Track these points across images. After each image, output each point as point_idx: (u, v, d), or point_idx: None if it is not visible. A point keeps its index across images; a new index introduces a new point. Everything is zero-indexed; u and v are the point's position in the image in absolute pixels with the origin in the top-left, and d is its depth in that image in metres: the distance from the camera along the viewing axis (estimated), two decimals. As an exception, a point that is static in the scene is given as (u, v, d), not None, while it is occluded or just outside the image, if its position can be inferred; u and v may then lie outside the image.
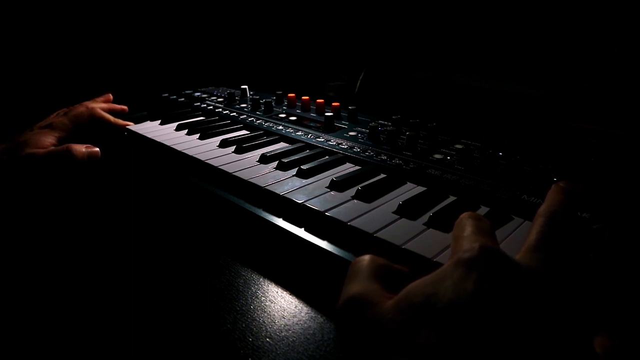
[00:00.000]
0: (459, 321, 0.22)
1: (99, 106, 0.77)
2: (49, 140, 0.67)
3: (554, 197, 0.28)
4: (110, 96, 0.84)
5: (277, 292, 0.43)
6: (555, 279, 0.24)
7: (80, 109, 0.75)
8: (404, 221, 0.44)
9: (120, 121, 0.78)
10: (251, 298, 0.42)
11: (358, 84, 1.01)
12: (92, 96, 0.83)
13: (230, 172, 0.57)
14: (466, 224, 0.28)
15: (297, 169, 0.57)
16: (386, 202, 0.48)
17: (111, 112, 0.79)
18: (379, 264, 0.29)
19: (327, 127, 0.73)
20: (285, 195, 0.50)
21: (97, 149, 0.67)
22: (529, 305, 0.22)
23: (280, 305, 0.41)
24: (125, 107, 0.82)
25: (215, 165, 0.60)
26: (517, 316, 0.22)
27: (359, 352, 0.24)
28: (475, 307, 0.22)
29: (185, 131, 0.76)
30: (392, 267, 0.30)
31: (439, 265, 0.30)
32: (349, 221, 0.43)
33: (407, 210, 0.45)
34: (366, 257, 0.29)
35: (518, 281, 0.23)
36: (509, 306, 0.22)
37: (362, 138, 0.68)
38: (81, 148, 0.65)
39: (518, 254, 0.26)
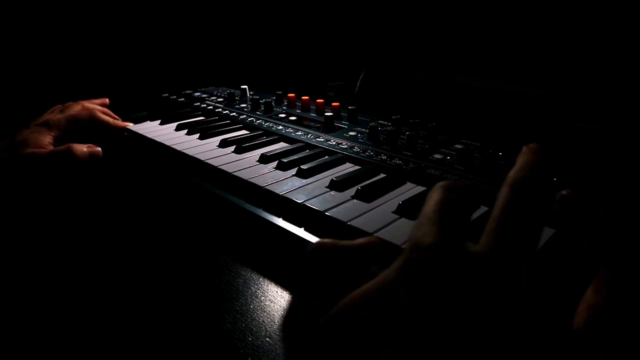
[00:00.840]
0: (410, 323, 0.20)
1: (99, 109, 0.77)
2: (47, 139, 0.67)
3: (523, 160, 0.24)
4: (107, 101, 0.84)
5: (276, 291, 0.43)
6: (516, 267, 0.21)
7: (77, 108, 0.74)
8: (403, 221, 0.44)
9: (120, 122, 0.78)
10: (251, 298, 0.42)
11: (358, 84, 1.01)
12: (92, 96, 0.83)
13: (230, 172, 0.57)
14: (430, 202, 0.24)
15: (296, 168, 0.57)
16: (386, 201, 0.48)
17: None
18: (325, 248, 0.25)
19: (327, 127, 0.73)
20: (285, 195, 0.50)
21: (99, 148, 0.67)
22: (486, 297, 0.20)
23: (280, 304, 0.41)
24: (118, 118, 0.81)
25: (215, 165, 0.60)
26: (474, 314, 0.19)
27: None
28: (427, 309, 0.20)
29: (185, 131, 0.76)
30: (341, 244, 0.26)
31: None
32: (349, 221, 0.43)
33: (406, 210, 0.45)
34: (313, 248, 0.26)
35: (467, 279, 0.20)
36: (464, 305, 0.20)
37: (362, 138, 0.68)
38: (82, 148, 0.65)
39: (482, 237, 0.22)
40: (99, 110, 0.77)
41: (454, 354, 0.19)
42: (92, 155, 0.66)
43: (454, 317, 0.19)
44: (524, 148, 0.25)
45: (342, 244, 0.26)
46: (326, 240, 0.26)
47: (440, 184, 0.25)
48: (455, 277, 0.20)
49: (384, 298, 0.21)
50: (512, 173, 0.23)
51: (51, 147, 0.66)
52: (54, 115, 0.72)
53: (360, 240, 0.27)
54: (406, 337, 0.19)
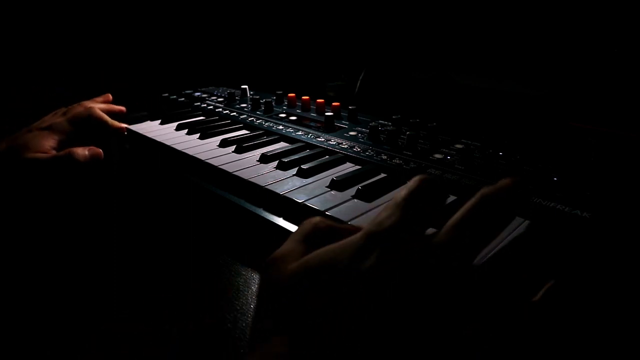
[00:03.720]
0: (342, 294, 0.21)
1: (98, 106, 0.77)
2: (49, 143, 0.67)
3: (498, 184, 0.27)
4: (110, 96, 0.83)
5: (277, 291, 0.43)
6: (458, 259, 0.23)
7: (79, 109, 0.74)
8: (404, 221, 0.44)
9: (117, 123, 0.77)
10: (251, 297, 0.42)
11: (358, 84, 1.01)
12: (92, 96, 0.83)
13: (231, 171, 0.57)
14: (404, 189, 0.26)
15: (297, 168, 0.57)
16: (386, 201, 0.48)
17: (110, 112, 0.79)
18: (319, 227, 0.28)
19: (327, 127, 0.73)
20: (286, 194, 0.50)
21: (100, 150, 0.67)
22: (420, 288, 0.22)
23: (281, 304, 0.41)
24: (123, 108, 0.82)
25: (216, 164, 0.60)
26: (403, 299, 0.21)
27: (257, 312, 0.25)
28: (365, 285, 0.21)
29: (186, 131, 0.76)
30: (339, 229, 0.29)
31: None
32: (350, 220, 0.44)
33: (407, 209, 0.45)
34: (312, 219, 0.29)
35: (419, 262, 0.22)
36: (398, 288, 0.21)
37: (362, 138, 0.68)
38: (84, 151, 0.65)
39: (442, 229, 0.24)
40: (99, 109, 0.76)
41: (377, 330, 0.21)
42: (93, 158, 0.66)
43: (387, 294, 0.21)
44: (506, 177, 0.28)
45: (337, 225, 0.29)
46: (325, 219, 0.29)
47: (417, 176, 0.27)
48: (404, 260, 0.22)
49: (334, 263, 0.23)
50: (485, 189, 0.26)
51: (53, 152, 0.65)
52: (56, 118, 0.72)
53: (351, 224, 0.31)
54: (342, 303, 0.21)
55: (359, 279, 0.22)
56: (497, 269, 0.27)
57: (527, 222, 0.44)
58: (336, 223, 0.29)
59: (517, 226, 0.42)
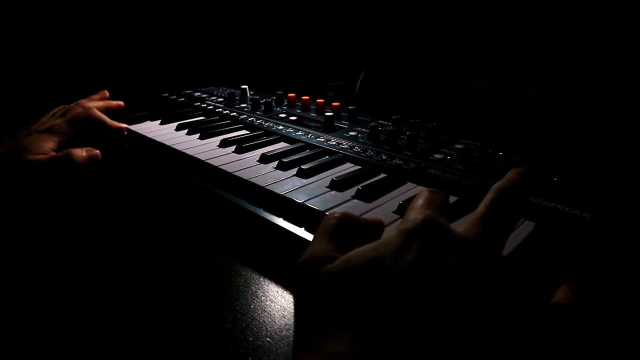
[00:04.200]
0: (395, 287, 0.23)
1: (96, 105, 0.76)
2: (49, 145, 0.67)
3: (509, 177, 0.29)
4: (106, 93, 0.83)
5: (277, 291, 0.43)
6: (490, 252, 0.25)
7: (78, 110, 0.74)
8: (404, 221, 0.44)
9: (116, 123, 0.77)
10: (251, 297, 0.42)
11: (358, 84, 1.01)
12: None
13: (231, 171, 0.57)
14: (419, 197, 0.28)
15: (297, 168, 0.57)
16: (386, 201, 0.48)
17: (108, 109, 0.78)
18: (344, 223, 0.30)
19: (327, 127, 0.73)
20: (286, 194, 0.50)
21: (97, 151, 0.67)
22: (461, 274, 0.23)
23: (281, 304, 0.41)
24: (121, 103, 0.81)
25: (216, 165, 0.60)
26: (449, 284, 0.23)
27: (303, 311, 0.25)
28: (412, 274, 0.23)
29: (186, 131, 0.76)
30: (363, 223, 0.31)
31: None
32: (349, 221, 0.43)
33: (407, 209, 0.45)
34: (334, 216, 0.30)
35: (455, 252, 0.24)
36: (443, 275, 0.23)
37: (362, 138, 0.68)
38: (82, 152, 0.65)
39: (464, 225, 0.27)
40: (97, 107, 0.76)
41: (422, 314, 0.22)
42: (91, 159, 0.66)
43: (430, 281, 0.23)
44: (512, 169, 0.30)
45: (360, 218, 0.31)
46: (348, 213, 0.31)
47: (426, 189, 0.30)
48: (442, 248, 0.24)
49: (378, 260, 0.24)
50: (499, 184, 0.29)
51: (52, 153, 0.65)
52: (55, 119, 0.72)
53: (372, 218, 0.33)
54: (390, 296, 0.23)
55: (404, 272, 0.23)
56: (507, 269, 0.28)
57: (527, 222, 0.44)
58: (355, 215, 0.31)
59: (518, 226, 0.42)
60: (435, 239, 0.24)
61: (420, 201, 0.28)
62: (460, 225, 0.27)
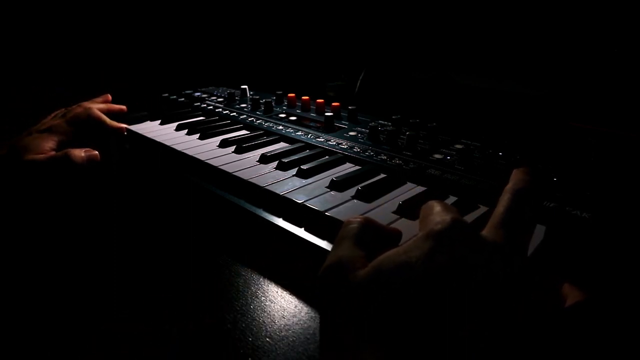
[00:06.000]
0: (431, 291, 0.22)
1: (97, 106, 0.77)
2: (48, 145, 0.67)
3: (520, 177, 0.29)
4: (109, 96, 0.83)
5: (277, 291, 0.43)
6: (515, 253, 0.25)
7: (78, 110, 0.74)
8: (403, 221, 0.44)
9: (115, 123, 0.77)
10: (251, 298, 0.42)
11: (358, 84, 1.01)
12: (93, 96, 0.83)
13: (230, 172, 0.57)
14: (434, 204, 0.28)
15: (297, 168, 0.57)
16: (386, 202, 0.48)
17: (109, 112, 0.79)
18: (368, 228, 0.29)
19: (327, 127, 0.73)
20: (285, 195, 0.50)
21: (96, 152, 0.67)
22: (492, 276, 0.23)
23: (280, 305, 0.41)
24: (123, 107, 0.82)
25: (216, 165, 0.60)
26: (482, 287, 0.23)
27: (332, 321, 0.25)
28: (446, 277, 0.23)
29: (185, 131, 0.76)
30: (384, 229, 0.31)
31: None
32: (349, 221, 0.43)
33: (407, 210, 0.45)
34: (357, 220, 0.30)
35: (484, 253, 0.24)
36: (476, 278, 0.23)
37: (362, 138, 0.68)
38: (80, 153, 0.65)
39: (485, 228, 0.27)
40: (98, 109, 0.76)
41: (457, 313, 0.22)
42: (90, 160, 0.66)
43: (461, 281, 0.23)
44: (518, 169, 0.31)
45: (380, 224, 0.31)
46: (370, 218, 0.31)
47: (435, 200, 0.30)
48: (471, 250, 0.24)
49: (410, 265, 0.24)
50: (510, 185, 0.29)
51: (52, 153, 0.66)
52: (55, 120, 0.72)
53: (391, 226, 0.34)
54: (420, 296, 0.22)
55: (436, 275, 0.23)
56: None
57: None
58: (375, 220, 0.31)
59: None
60: (464, 240, 0.24)
61: (437, 207, 0.28)
62: None
